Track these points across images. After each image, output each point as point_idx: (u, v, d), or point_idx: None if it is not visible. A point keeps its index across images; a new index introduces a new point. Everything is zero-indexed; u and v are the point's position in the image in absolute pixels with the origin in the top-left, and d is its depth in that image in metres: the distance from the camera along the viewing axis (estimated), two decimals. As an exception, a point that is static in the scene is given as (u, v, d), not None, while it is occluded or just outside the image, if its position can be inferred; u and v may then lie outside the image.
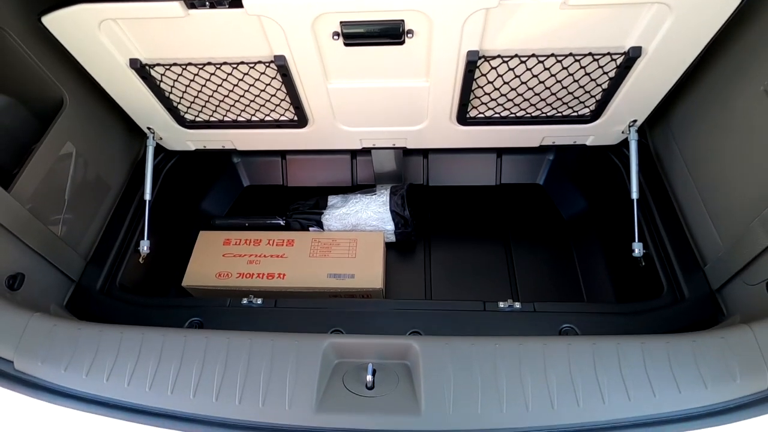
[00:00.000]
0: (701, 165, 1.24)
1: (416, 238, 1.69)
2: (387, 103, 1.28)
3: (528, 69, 1.13)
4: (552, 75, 1.14)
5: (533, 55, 1.09)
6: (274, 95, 1.27)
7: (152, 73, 1.19)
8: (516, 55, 1.09)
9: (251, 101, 1.29)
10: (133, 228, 1.42)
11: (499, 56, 1.10)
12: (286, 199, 1.87)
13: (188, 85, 1.23)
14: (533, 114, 1.31)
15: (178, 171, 1.63)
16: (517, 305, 1.17)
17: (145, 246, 1.40)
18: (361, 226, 1.62)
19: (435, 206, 1.82)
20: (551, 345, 0.95)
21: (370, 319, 1.16)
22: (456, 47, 1.07)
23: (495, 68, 1.13)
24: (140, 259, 1.40)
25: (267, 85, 1.22)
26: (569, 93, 1.21)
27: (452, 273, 1.63)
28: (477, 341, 0.97)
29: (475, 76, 1.15)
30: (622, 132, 1.38)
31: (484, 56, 1.09)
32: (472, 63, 1.10)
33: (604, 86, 1.18)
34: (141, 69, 1.16)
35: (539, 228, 1.72)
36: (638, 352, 0.92)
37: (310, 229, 1.64)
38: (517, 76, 1.15)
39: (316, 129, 1.40)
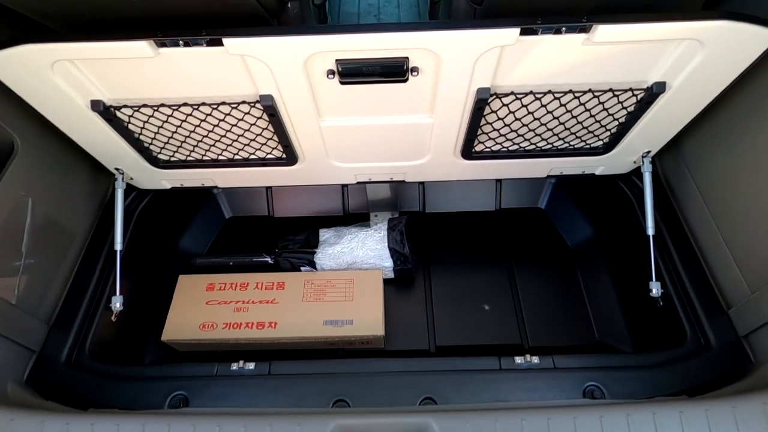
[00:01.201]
0: (720, 199, 1.17)
1: (415, 271, 1.58)
2: (386, 139, 1.17)
3: (542, 105, 1.03)
4: (567, 111, 1.05)
5: (549, 92, 0.99)
6: (260, 134, 1.13)
7: (118, 115, 1.04)
8: (531, 92, 0.99)
9: (234, 141, 1.15)
10: (103, 282, 1.26)
11: (512, 93, 0.99)
12: (272, 231, 1.74)
13: (161, 127, 1.09)
14: (543, 147, 1.21)
15: (152, 210, 1.48)
16: (535, 360, 1.08)
17: (117, 302, 1.24)
18: (357, 264, 1.50)
19: (433, 234, 1.71)
20: (582, 418, 0.86)
21: (376, 383, 1.05)
22: (466, 85, 0.96)
23: (507, 105, 1.03)
24: (113, 317, 1.25)
25: (252, 125, 1.09)
26: (584, 128, 1.12)
27: (455, 310, 1.53)
28: (500, 417, 0.88)
29: (485, 113, 1.05)
30: (634, 162, 1.30)
31: (495, 93, 0.99)
32: (483, 101, 0.99)
33: (621, 120, 1.10)
34: (105, 111, 1.01)
35: (543, 256, 1.64)
36: (676, 420, 0.84)
37: (302, 269, 1.51)
38: (530, 113, 1.05)
39: (307, 166, 1.27)
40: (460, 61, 0.89)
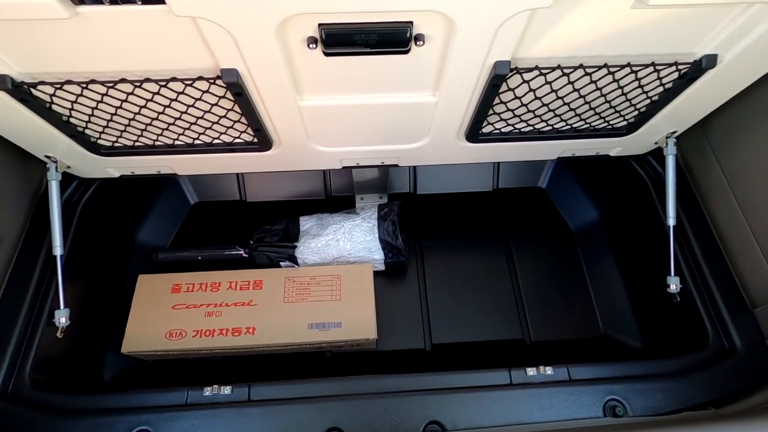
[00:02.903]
0: (749, 186, 1.05)
1: (408, 261, 1.44)
2: (378, 121, 0.98)
3: (570, 82, 0.86)
4: (597, 89, 0.88)
5: (580, 66, 0.81)
6: (225, 116, 0.92)
7: (35, 93, 0.80)
8: (558, 67, 0.81)
9: (192, 124, 0.94)
10: (43, 293, 1.06)
11: (536, 68, 0.81)
12: (245, 218, 1.54)
13: (96, 108, 0.86)
14: (559, 128, 1.05)
15: (100, 200, 1.25)
16: (549, 371, 0.98)
17: (62, 317, 1.05)
18: (343, 257, 1.34)
19: (425, 218, 1.56)
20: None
21: (374, 406, 0.92)
22: (482, 57, 0.77)
23: (527, 81, 0.85)
24: (58, 334, 1.06)
25: (213, 105, 0.87)
26: (611, 107, 0.95)
27: (451, 302, 1.40)
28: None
29: (500, 90, 0.87)
30: (655, 143, 1.16)
31: (516, 68, 0.81)
32: (500, 77, 0.81)
33: (655, 98, 0.94)
34: (15, 90, 0.77)
35: (544, 240, 1.52)
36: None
37: (282, 264, 1.34)
38: (553, 90, 0.88)
39: (284, 152, 1.07)
40: (479, 28, 0.70)
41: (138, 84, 0.79)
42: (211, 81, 0.80)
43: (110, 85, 0.79)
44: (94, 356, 1.19)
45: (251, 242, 1.38)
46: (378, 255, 1.34)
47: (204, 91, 0.83)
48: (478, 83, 0.84)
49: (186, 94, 0.83)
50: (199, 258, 1.40)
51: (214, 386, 0.95)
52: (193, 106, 0.87)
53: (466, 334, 1.35)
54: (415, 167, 1.58)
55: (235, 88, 0.80)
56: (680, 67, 0.83)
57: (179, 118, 0.91)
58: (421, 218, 1.56)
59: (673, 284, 1.11)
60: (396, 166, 1.20)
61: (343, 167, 1.19)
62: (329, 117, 0.95)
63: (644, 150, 1.21)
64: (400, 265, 1.40)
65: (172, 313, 1.23)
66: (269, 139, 1.00)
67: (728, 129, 1.11)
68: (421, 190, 1.61)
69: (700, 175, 1.20)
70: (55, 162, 1.05)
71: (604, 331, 1.35)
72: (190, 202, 1.56)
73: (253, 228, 1.44)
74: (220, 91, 0.83)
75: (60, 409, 0.92)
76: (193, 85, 0.80)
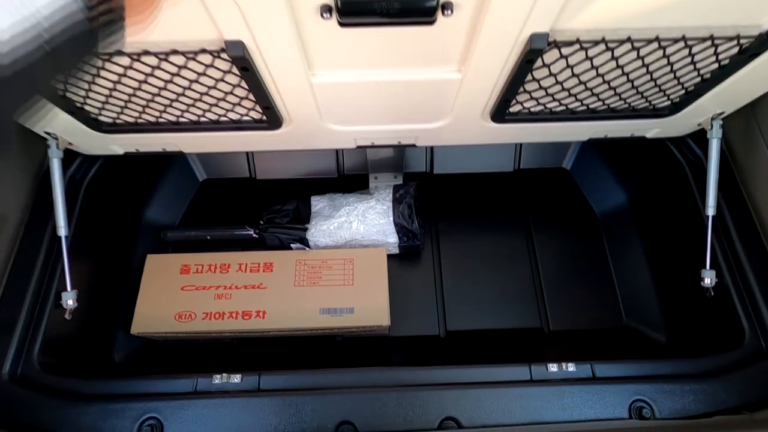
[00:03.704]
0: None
1: (423, 245, 1.38)
2: (396, 99, 0.90)
3: (613, 58, 0.76)
4: (644, 65, 0.79)
5: (628, 40, 0.72)
6: (231, 93, 0.85)
7: (27, 67, 0.74)
8: (603, 40, 0.72)
9: (196, 101, 0.87)
10: (48, 275, 1.03)
11: (577, 41, 0.72)
12: (255, 195, 1.50)
13: (92, 83, 0.79)
14: (596, 108, 0.96)
15: (106, 177, 1.21)
16: (571, 368, 0.93)
17: (69, 299, 1.03)
18: (356, 240, 1.29)
19: (442, 199, 1.49)
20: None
21: (388, 400, 0.89)
22: (517, 29, 0.68)
23: (565, 57, 0.76)
24: (66, 315, 1.04)
25: (218, 81, 0.80)
26: (656, 86, 0.86)
27: (468, 288, 1.35)
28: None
29: (534, 67, 0.78)
30: (698, 125, 1.06)
31: (554, 41, 0.72)
32: (536, 52, 0.72)
33: (706, 76, 0.84)
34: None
35: (567, 224, 1.45)
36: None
37: (292, 246, 1.30)
38: (594, 67, 0.79)
39: (295, 130, 1.00)
40: (516, -5, 0.61)
41: (136, 57, 0.72)
42: (215, 54, 0.72)
43: (106, 57, 0.72)
44: (104, 337, 1.18)
45: (261, 222, 1.33)
46: (392, 238, 1.28)
47: (208, 66, 0.76)
48: (510, 58, 0.76)
49: (188, 69, 0.76)
50: (209, 237, 1.36)
51: (224, 374, 0.93)
52: (196, 81, 0.80)
53: (482, 322, 1.31)
54: (432, 147, 1.50)
55: (241, 62, 0.73)
56: (742, 40, 0.73)
57: (182, 95, 0.84)
58: (438, 199, 1.49)
59: (708, 278, 1.04)
60: (413, 146, 1.13)
61: (358, 147, 1.12)
62: (343, 94, 0.88)
63: (684, 132, 1.12)
64: (415, 249, 1.34)
65: (181, 294, 1.20)
66: (279, 117, 0.94)
67: (782, 110, 1.00)
68: (438, 170, 1.54)
69: (744, 161, 1.10)
70: (56, 139, 1.00)
71: (627, 322, 1.30)
72: (199, 179, 1.51)
73: (263, 206, 1.39)
74: (225, 66, 0.76)
75: (68, 393, 0.90)
76: (196, 58, 0.73)
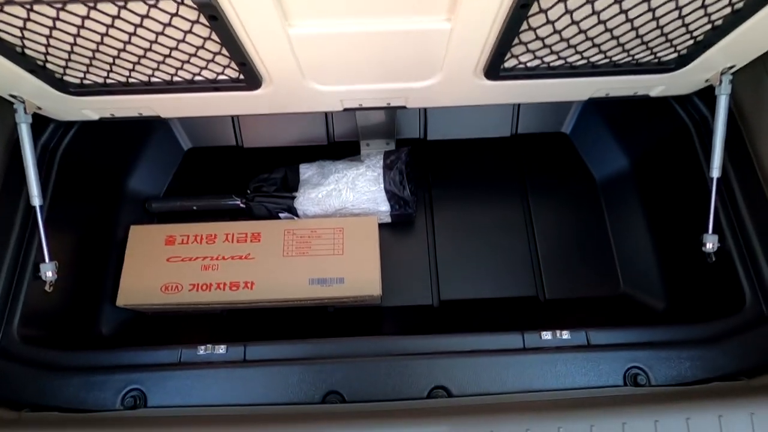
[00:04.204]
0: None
1: (416, 213, 1.34)
2: (382, 53, 0.83)
3: (616, 0, 0.69)
4: (650, 9, 0.72)
5: (633, -22, 0.65)
6: (202, 47, 0.79)
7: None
8: (605, -21, 0.65)
9: (166, 57, 0.81)
10: (26, 246, 0.99)
11: (576, -19, 0.65)
12: (242, 164, 1.44)
13: (50, 36, 0.73)
14: (596, 62, 0.89)
15: (83, 145, 1.15)
16: (565, 335, 0.90)
17: (48, 270, 0.99)
18: (346, 209, 1.24)
19: (436, 166, 1.44)
20: (632, 423, 0.70)
21: (376, 369, 0.87)
22: (510, -33, 0.62)
23: (564, 0, 0.69)
24: (47, 288, 1.01)
25: (187, 32, 0.74)
26: (662, 34, 0.79)
27: (462, 256, 1.32)
28: (534, 422, 0.71)
29: (529, 12, 0.71)
30: (706, 81, 1.00)
31: (552, -19, 0.65)
32: (532, -7, 0.66)
33: (718, 23, 0.77)
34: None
35: (565, 191, 1.40)
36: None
37: (280, 215, 1.26)
38: (595, 12, 0.72)
39: (276, 91, 0.94)
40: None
41: (92, 5, 0.66)
42: (179, 1, 0.66)
43: (59, 6, 0.66)
44: (90, 310, 1.15)
45: (248, 192, 1.29)
46: (384, 206, 1.24)
47: (173, 15, 0.69)
48: (503, 3, 0.69)
49: (152, 18, 0.70)
50: (194, 208, 1.32)
51: (209, 345, 0.90)
52: (162, 33, 0.73)
53: (476, 291, 1.28)
54: (425, 111, 1.44)
55: (208, 9, 0.67)
56: (760, -21, 0.66)
57: (149, 50, 0.78)
58: (432, 166, 1.44)
59: (710, 242, 1.00)
60: (404, 108, 1.07)
61: (345, 109, 1.06)
62: (325, 48, 0.81)
63: (691, 89, 1.05)
64: (408, 218, 1.30)
65: (166, 265, 1.17)
66: (257, 75, 0.87)
67: (797, 63, 0.94)
68: (432, 136, 1.48)
69: (754, 120, 1.04)
70: (23, 102, 0.94)
71: (625, 289, 1.27)
72: (184, 148, 1.46)
73: (251, 175, 1.34)
74: (192, 15, 0.70)
75: (49, 365, 0.88)
76: (158, 5, 0.67)
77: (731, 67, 0.94)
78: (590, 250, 1.33)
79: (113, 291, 1.16)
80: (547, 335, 0.90)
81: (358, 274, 1.16)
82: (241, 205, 1.29)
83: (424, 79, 0.94)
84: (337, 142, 1.47)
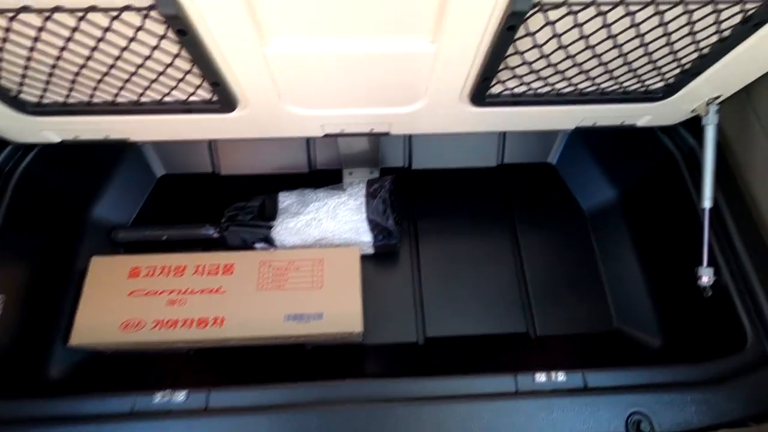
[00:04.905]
0: (804, 164, 0.89)
1: (401, 244, 1.28)
2: (364, 76, 0.80)
3: (605, 25, 0.68)
4: (638, 35, 0.70)
5: (622, 2, 0.63)
6: (172, 64, 0.74)
7: None
8: (594, 2, 0.63)
9: (132, 74, 0.75)
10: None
11: (565, 3, 0.63)
12: (219, 193, 1.37)
13: (1, 49, 0.67)
14: (584, 89, 0.87)
15: (43, 170, 1.08)
16: (561, 377, 0.83)
17: (-9, 305, 0.89)
18: (327, 239, 1.18)
19: (421, 196, 1.40)
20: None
21: (356, 416, 0.78)
22: (496, -13, 0.59)
23: (552, 23, 0.67)
24: (-11, 325, 0.90)
25: (154, 48, 0.69)
26: (651, 61, 0.78)
27: (449, 290, 1.25)
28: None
29: (516, 35, 0.69)
30: (692, 111, 0.99)
31: (540, 3, 0.62)
32: (518, 16, 0.63)
33: (705, 51, 0.76)
34: None
35: (553, 223, 1.36)
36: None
37: (257, 246, 1.18)
38: (582, 37, 0.70)
39: (252, 114, 0.89)
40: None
41: (47, 15, 0.61)
42: (144, 13, 0.61)
43: (11, 14, 0.60)
44: (39, 350, 1.04)
45: (222, 221, 1.21)
46: (366, 237, 1.18)
47: (138, 28, 0.64)
48: (489, 24, 0.66)
49: (115, 32, 0.65)
50: (164, 238, 1.24)
51: (167, 391, 0.80)
52: (127, 48, 0.69)
53: (463, 327, 1.21)
54: (410, 139, 1.41)
55: (177, 23, 0.62)
56: (748, 5, 0.65)
57: (114, 66, 0.73)
58: (417, 196, 1.39)
59: (706, 276, 0.96)
60: (387, 134, 1.03)
61: (326, 135, 1.02)
62: (303, 69, 0.77)
63: (677, 120, 1.04)
64: (392, 248, 1.24)
65: (128, 300, 1.07)
66: (232, 97, 0.82)
67: (780, 95, 0.93)
68: (417, 165, 1.44)
69: (740, 149, 1.03)
70: (-27, 121, 0.87)
71: (618, 325, 1.21)
72: (156, 174, 1.38)
73: (227, 204, 1.27)
74: (160, 29, 0.65)
75: (-19, 418, 0.77)
76: (121, 17, 0.62)
77: (717, 98, 0.93)
78: (581, 284, 1.28)
79: (68, 329, 1.05)
80: (541, 377, 0.83)
81: (338, 309, 1.08)
82: (215, 235, 1.21)
83: (409, 104, 0.91)
84: (320, 170, 1.42)
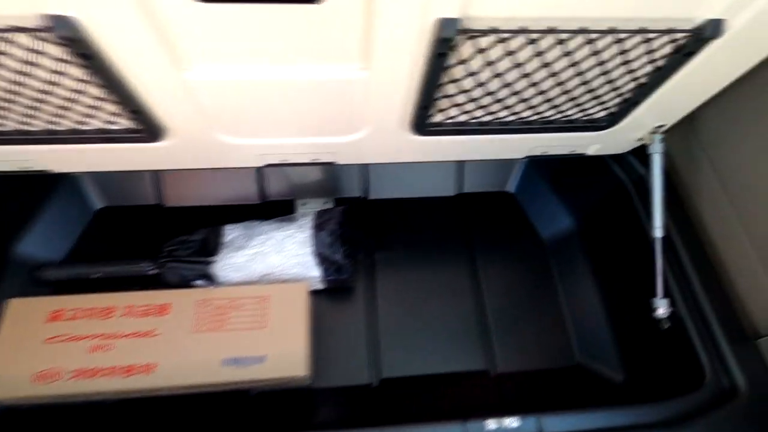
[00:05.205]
0: (750, 194, 0.88)
1: (355, 278, 1.22)
2: (298, 103, 0.76)
3: (536, 54, 0.66)
4: (572, 64, 0.69)
5: (551, 31, 0.62)
6: (82, 92, 0.68)
7: None
8: (522, 30, 0.61)
9: (38, 101, 0.69)
10: None
11: (493, 31, 0.61)
12: (163, 226, 1.28)
13: None
14: (527, 118, 0.85)
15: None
16: (514, 423, 0.77)
17: None
18: (273, 275, 1.11)
19: (378, 227, 1.35)
20: None
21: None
22: (419, 12, 0.57)
23: (482, 51, 0.65)
24: None
25: (58, 73, 0.63)
26: (589, 91, 0.77)
27: (406, 327, 1.19)
28: None
29: (448, 63, 0.66)
30: (638, 139, 0.99)
31: (467, 30, 0.60)
32: (446, 42, 0.61)
33: (642, 80, 0.75)
34: None
35: (513, 253, 1.33)
36: None
37: (197, 283, 1.10)
38: (516, 65, 0.68)
39: (183, 143, 0.83)
40: (409, -38, 0.49)
41: (-75, 34, 0.55)
42: (37, 35, 0.56)
43: None
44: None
45: (161, 256, 1.13)
46: (315, 272, 1.11)
47: (36, 52, 0.59)
48: (418, 51, 0.64)
49: (10, 55, 0.59)
50: (97, 276, 1.14)
51: (69, 457, 0.70)
52: (30, 74, 0.63)
53: (421, 366, 1.14)
54: (366, 168, 1.37)
55: (79, 46, 0.57)
56: (676, 35, 0.64)
57: (16, 93, 0.66)
58: (373, 227, 1.34)
59: (661, 307, 0.93)
60: (332, 164, 0.99)
61: (268, 165, 0.97)
62: (231, 97, 0.73)
63: (626, 148, 1.04)
64: (343, 283, 1.17)
65: (45, 348, 0.97)
66: (156, 125, 0.77)
67: (722, 125, 0.94)
68: (374, 195, 1.40)
69: (688, 177, 1.03)
70: None
71: (580, 360, 1.16)
72: (94, 206, 1.29)
73: (171, 239, 1.19)
74: (59, 52, 0.60)
75: None
76: (11, 39, 0.56)
77: (661, 126, 0.93)
78: (542, 317, 1.23)
79: (-26, 381, 0.93)
80: (491, 424, 0.76)
81: (282, 350, 1.00)
82: (152, 272, 1.12)
83: (350, 133, 0.87)
84: (272, 201, 1.36)
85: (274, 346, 1.01)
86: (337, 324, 1.18)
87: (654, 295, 0.94)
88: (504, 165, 1.43)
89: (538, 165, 1.39)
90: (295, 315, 1.05)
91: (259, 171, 1.33)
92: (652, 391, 0.97)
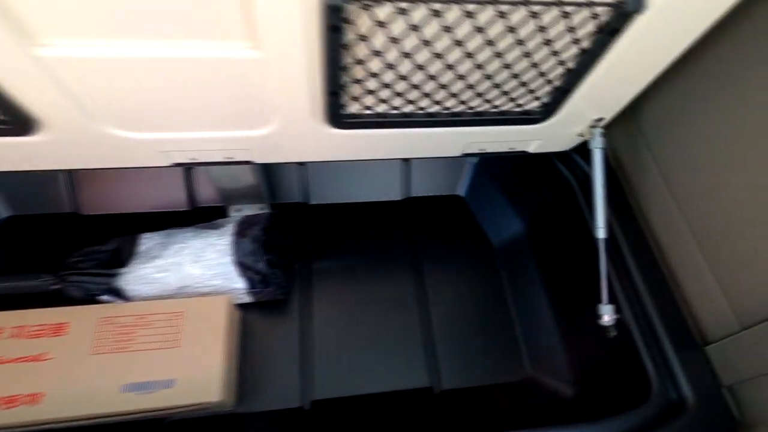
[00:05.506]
0: (696, 193, 0.83)
1: (287, 291, 1.12)
2: (189, 89, 0.67)
3: (444, 29, 0.59)
4: (486, 42, 0.62)
5: (451, 0, 0.54)
6: None
7: None
8: (422, -1, 0.54)
9: None
10: None
11: (388, -1, 0.53)
12: (78, 237, 1.16)
13: None
14: (454, 110, 0.78)
15: None
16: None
17: None
18: (191, 288, 1.00)
19: (318, 234, 1.25)
20: None
21: None
22: (295, -28, 0.49)
23: (382, 25, 0.57)
24: None
25: None
26: (512, 76, 0.70)
27: (344, 340, 1.09)
28: None
29: (346, 40, 0.58)
30: (579, 134, 0.93)
31: (359, -2, 0.53)
32: (336, 11, 0.53)
33: (570, 64, 0.69)
34: None
35: (462, 260, 1.25)
36: None
37: (104, 298, 0.98)
38: (423, 42, 0.61)
39: (62, 137, 0.73)
40: None
41: None
42: None
43: None
44: None
45: (63, 269, 1.01)
46: (238, 283, 1.01)
47: None
48: (308, 25, 0.56)
49: None
50: (-9, 292, 1.01)
51: None
52: None
53: (358, 385, 1.04)
54: (306, 171, 1.28)
55: None
56: (597, 10, 0.58)
57: None
58: (313, 234, 1.25)
59: (606, 314, 0.86)
60: (249, 163, 0.89)
61: (175, 164, 0.87)
62: (105, 80, 0.63)
63: (568, 145, 0.98)
64: (273, 296, 1.07)
65: None
66: (23, 115, 0.67)
67: (665, 121, 0.89)
68: (316, 200, 1.31)
69: (633, 175, 0.98)
70: None
71: (531, 373, 1.08)
72: (0, 215, 1.17)
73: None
74: None
75: None
76: None
77: (600, 120, 0.87)
78: (492, 328, 1.15)
79: None
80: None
81: (194, 373, 0.89)
82: (53, 287, 1.00)
83: (260, 126, 0.78)
84: (203, 207, 1.26)
85: (186, 369, 0.89)
86: (267, 341, 1.07)
87: (599, 300, 0.87)
88: (454, 167, 1.36)
89: (488, 167, 1.32)
90: (212, 333, 0.94)
91: (188, 174, 1.23)
92: (602, 405, 0.89)
